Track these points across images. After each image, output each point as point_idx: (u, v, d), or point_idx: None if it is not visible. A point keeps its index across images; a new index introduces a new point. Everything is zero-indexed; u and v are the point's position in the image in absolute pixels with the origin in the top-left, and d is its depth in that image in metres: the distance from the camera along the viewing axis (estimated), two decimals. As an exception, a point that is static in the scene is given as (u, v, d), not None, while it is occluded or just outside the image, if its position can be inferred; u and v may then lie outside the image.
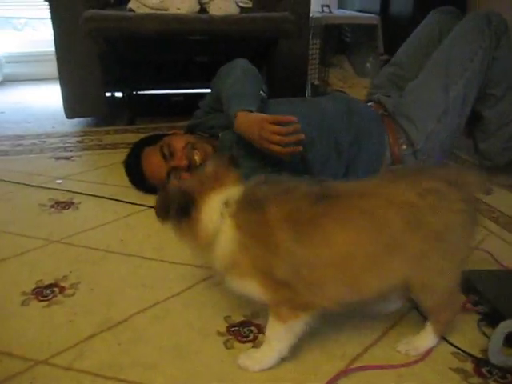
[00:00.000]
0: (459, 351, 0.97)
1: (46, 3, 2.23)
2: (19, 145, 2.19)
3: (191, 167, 1.52)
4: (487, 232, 1.45)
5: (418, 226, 0.87)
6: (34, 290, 1.16)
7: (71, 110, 2.34)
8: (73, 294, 1.14)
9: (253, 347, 0.99)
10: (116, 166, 1.87)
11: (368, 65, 3.20)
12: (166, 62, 2.24)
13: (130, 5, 2.18)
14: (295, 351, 0.96)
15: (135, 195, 1.63)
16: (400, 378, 0.92)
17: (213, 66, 2.38)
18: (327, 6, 3.19)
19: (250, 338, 1.01)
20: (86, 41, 2.14)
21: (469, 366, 0.94)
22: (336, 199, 0.90)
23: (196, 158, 1.54)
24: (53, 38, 2.23)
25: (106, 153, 2.08)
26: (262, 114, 1.35)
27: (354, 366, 0.94)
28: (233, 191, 0.92)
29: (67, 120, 2.42)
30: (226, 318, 1.07)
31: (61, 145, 2.19)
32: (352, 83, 3.07)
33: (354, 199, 0.90)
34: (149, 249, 1.34)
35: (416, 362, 0.95)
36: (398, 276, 0.91)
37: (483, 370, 0.93)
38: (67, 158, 2.02)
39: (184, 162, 1.53)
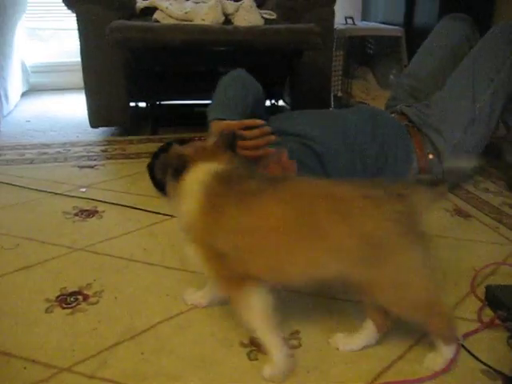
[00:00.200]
0: (489, 369, 0.94)
1: (72, 14, 2.26)
2: (44, 153, 2.21)
3: None
4: (514, 246, 1.43)
5: (347, 223, 0.89)
6: (57, 297, 1.16)
7: (96, 119, 2.37)
8: (96, 302, 1.14)
9: (276, 359, 0.97)
10: (139, 175, 1.89)
11: (392, 77, 3.19)
12: (190, 72, 2.26)
13: (156, 16, 2.21)
14: (319, 365, 0.94)
15: (158, 204, 1.63)
16: (427, 394, 0.90)
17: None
18: (351, 17, 3.18)
19: (274, 350, 1.00)
20: (112, 51, 2.16)
21: (499, 385, 0.92)
22: (282, 183, 0.98)
23: None
24: (79, 48, 2.26)
25: (129, 162, 2.09)
26: (230, 121, 1.34)
27: (379, 381, 0.93)
28: (217, 166, 1.01)
29: (91, 129, 2.44)
30: (250, 330, 1.06)
31: (85, 154, 2.21)
32: (375, 95, 3.06)
33: (297, 186, 0.98)
34: (172, 258, 1.33)
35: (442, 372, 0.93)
36: (329, 269, 0.93)
37: (513, 389, 0.91)
38: (91, 167, 2.03)
39: None
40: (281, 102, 2.72)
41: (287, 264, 0.94)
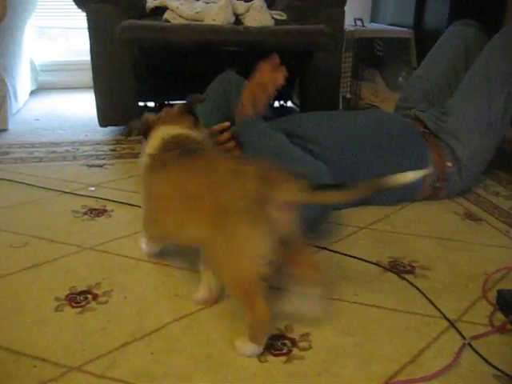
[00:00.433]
0: (501, 374, 0.93)
1: (81, 13, 2.27)
2: (53, 152, 2.21)
3: None
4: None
5: (211, 193, 0.99)
6: (67, 296, 1.16)
7: (105, 118, 2.37)
8: (106, 302, 1.14)
9: (286, 361, 0.97)
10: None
11: (400, 79, 3.18)
12: (200, 72, 2.25)
13: (166, 16, 2.20)
14: (330, 367, 0.94)
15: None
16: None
17: (245, 77, 2.40)
18: (360, 19, 3.18)
19: (284, 351, 1.00)
20: (121, 51, 2.17)
21: (511, 390, 0.91)
22: (193, 156, 1.11)
23: None
24: (88, 47, 2.26)
25: (138, 161, 2.09)
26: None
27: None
28: (175, 130, 1.20)
29: (100, 128, 2.45)
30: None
31: (94, 152, 2.21)
32: (384, 97, 3.05)
33: (199, 159, 1.10)
34: (181, 258, 1.33)
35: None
36: (193, 234, 1.04)
37: (526, 394, 0.90)
38: (100, 166, 2.04)
39: None
40: (289, 103, 2.72)
41: (175, 228, 1.10)
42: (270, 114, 1.75)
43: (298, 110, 2.71)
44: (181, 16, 2.18)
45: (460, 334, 1.05)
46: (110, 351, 0.98)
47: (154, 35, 1.87)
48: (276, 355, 0.98)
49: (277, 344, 1.01)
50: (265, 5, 2.31)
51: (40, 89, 3.45)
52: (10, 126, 2.56)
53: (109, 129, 2.49)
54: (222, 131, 1.55)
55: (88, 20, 2.23)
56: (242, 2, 2.31)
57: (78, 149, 2.26)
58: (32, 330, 1.04)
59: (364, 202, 1.66)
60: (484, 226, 1.58)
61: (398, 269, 1.31)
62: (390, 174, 1.56)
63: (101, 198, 1.70)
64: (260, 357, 0.98)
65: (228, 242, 0.96)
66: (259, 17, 2.19)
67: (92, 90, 2.35)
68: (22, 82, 2.94)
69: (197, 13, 2.17)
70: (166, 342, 1.02)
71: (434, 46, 2.05)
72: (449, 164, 1.65)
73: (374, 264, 1.33)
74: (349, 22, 3.02)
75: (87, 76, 2.52)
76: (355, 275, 1.28)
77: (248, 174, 0.97)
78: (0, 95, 2.47)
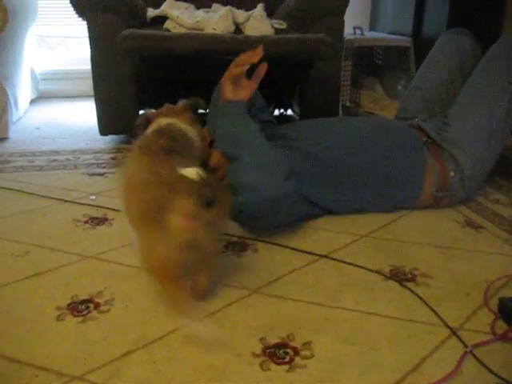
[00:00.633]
0: (503, 382, 0.93)
1: (81, 22, 2.28)
2: (54, 160, 2.22)
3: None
4: (527, 258, 1.42)
5: (137, 193, 1.10)
6: (69, 304, 1.16)
7: (105, 127, 2.37)
8: (108, 311, 1.14)
9: (288, 370, 0.97)
10: (149, 183, 1.89)
11: (400, 87, 3.20)
12: (200, 81, 2.26)
13: (166, 25, 2.22)
14: (332, 376, 0.94)
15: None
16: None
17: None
18: (359, 27, 3.20)
19: (286, 360, 0.99)
20: (122, 59, 2.18)
21: (513, 398, 0.91)
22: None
23: None
24: (89, 56, 2.27)
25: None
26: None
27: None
28: (168, 121, 1.29)
29: (101, 137, 2.45)
30: (261, 340, 1.05)
31: (94, 161, 2.21)
32: (383, 105, 3.06)
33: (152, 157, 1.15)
34: (182, 267, 1.33)
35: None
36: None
37: (529, 403, 0.90)
38: (101, 175, 2.04)
39: None
40: (289, 112, 2.73)
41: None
42: (261, 105, 1.76)
43: (297, 118, 2.72)
44: (181, 25, 2.19)
45: (462, 342, 1.05)
46: (112, 360, 0.98)
47: (155, 44, 1.88)
48: (278, 364, 0.98)
49: (279, 353, 1.01)
50: (265, 14, 2.32)
51: (40, 97, 3.46)
52: (11, 134, 2.57)
53: (109, 137, 2.49)
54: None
55: (89, 29, 2.24)
56: (242, 11, 2.33)
57: (79, 157, 2.27)
58: (34, 340, 1.04)
59: (359, 211, 1.67)
60: (484, 233, 1.58)
61: (399, 277, 1.31)
62: (386, 176, 1.60)
63: (102, 207, 1.70)
64: (262, 365, 0.98)
65: (138, 238, 1.10)
66: (259, 26, 2.20)
67: (92, 99, 2.36)
68: (23, 91, 2.95)
69: (197, 22, 2.18)
70: (168, 350, 1.02)
71: (428, 55, 2.07)
72: (451, 173, 1.65)
73: (375, 272, 1.33)
74: (348, 31, 3.04)
75: (87, 85, 2.53)
76: (356, 283, 1.28)
77: (163, 182, 1.03)
78: (1, 104, 2.48)
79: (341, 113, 2.90)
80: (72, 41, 3.76)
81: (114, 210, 1.67)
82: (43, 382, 0.93)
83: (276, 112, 2.61)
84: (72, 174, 2.05)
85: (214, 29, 2.11)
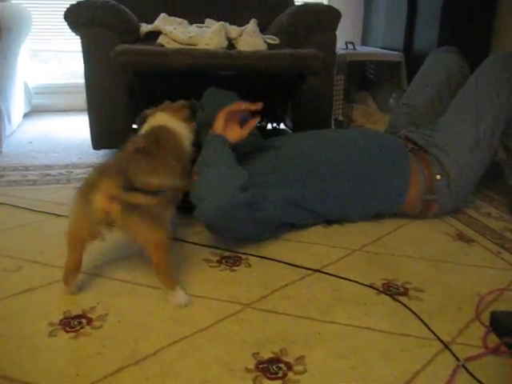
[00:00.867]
0: (495, 396, 0.94)
1: (75, 37, 2.29)
2: (47, 174, 2.22)
3: None
4: (518, 272, 1.43)
5: None
6: (61, 320, 1.16)
7: (98, 141, 2.37)
8: (100, 326, 1.14)
9: (282, 385, 0.97)
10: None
11: (392, 101, 3.22)
12: (192, 95, 2.28)
13: (160, 40, 2.23)
14: (326, 391, 0.94)
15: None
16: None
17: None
18: (351, 42, 3.23)
19: (280, 375, 1.00)
20: (115, 74, 2.18)
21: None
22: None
23: None
24: (83, 70, 2.28)
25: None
26: None
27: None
28: (164, 119, 1.45)
29: (93, 151, 2.45)
30: (254, 355, 1.05)
31: (87, 176, 2.21)
32: (375, 119, 3.09)
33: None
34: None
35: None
36: None
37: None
38: (94, 189, 2.03)
39: None
40: (282, 126, 2.74)
41: None
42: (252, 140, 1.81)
43: (290, 132, 2.73)
44: (175, 40, 2.20)
45: (454, 355, 1.05)
46: (105, 376, 0.98)
47: (149, 59, 1.89)
48: (271, 379, 0.98)
49: (272, 368, 1.01)
50: (257, 29, 2.34)
51: (33, 111, 3.45)
52: (4, 148, 2.56)
53: (102, 151, 2.49)
54: None
55: (83, 44, 2.25)
56: (235, 27, 2.34)
57: (72, 172, 2.27)
58: (26, 356, 1.04)
59: (342, 219, 1.72)
60: (476, 247, 1.59)
61: (392, 291, 1.31)
62: (370, 179, 1.63)
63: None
64: (255, 381, 0.98)
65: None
66: (252, 41, 2.22)
67: (85, 113, 2.36)
68: (16, 105, 2.95)
69: (190, 37, 2.19)
70: (160, 366, 1.01)
71: (418, 73, 2.12)
72: (438, 177, 1.69)
73: (368, 286, 1.33)
74: (340, 46, 3.06)
75: (80, 99, 2.54)
76: (349, 298, 1.28)
77: (98, 167, 1.24)
78: (-6, 118, 2.48)
79: (333, 127, 2.91)
80: (64, 55, 3.77)
81: (107, 224, 1.67)
82: (35, 398, 0.92)
83: (269, 126, 2.62)
84: (65, 189, 2.04)
85: (208, 44, 2.12)
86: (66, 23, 2.25)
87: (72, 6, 2.21)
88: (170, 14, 2.54)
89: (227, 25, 2.31)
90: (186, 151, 1.46)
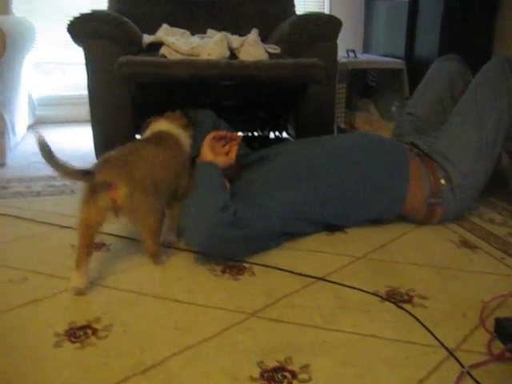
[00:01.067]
0: (501, 402, 0.94)
1: (77, 48, 2.31)
2: (51, 186, 2.23)
3: None
4: (522, 278, 1.43)
5: None
6: (67, 331, 1.16)
7: (102, 152, 2.35)
8: (106, 337, 1.14)
9: (287, 394, 0.97)
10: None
11: (394, 108, 3.23)
12: (196, 105, 2.29)
13: (162, 51, 2.24)
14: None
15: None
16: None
17: (240, 110, 2.44)
18: (353, 50, 3.24)
19: (285, 383, 1.00)
20: (118, 85, 2.20)
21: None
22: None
23: None
24: (86, 82, 2.30)
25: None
26: None
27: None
28: (164, 126, 1.57)
29: (98, 162, 2.46)
30: (259, 364, 1.05)
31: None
32: (378, 127, 3.09)
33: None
34: (180, 291, 1.34)
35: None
36: None
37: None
38: (98, 199, 2.04)
39: None
40: (285, 134, 2.75)
41: None
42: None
43: (293, 141, 2.74)
44: (177, 51, 2.22)
45: (459, 362, 1.05)
46: (111, 386, 0.98)
47: (152, 70, 1.91)
48: (275, 388, 0.99)
49: (277, 376, 1.02)
50: (259, 39, 2.36)
51: (38, 123, 3.47)
52: (9, 160, 2.58)
53: (106, 162, 2.50)
54: None
55: (86, 56, 2.27)
56: (237, 37, 2.36)
57: (76, 183, 2.27)
58: (31, 367, 1.05)
59: (343, 224, 1.73)
60: (480, 253, 1.59)
61: (396, 298, 1.32)
62: (368, 180, 1.64)
63: (99, 232, 1.69)
64: (260, 390, 0.98)
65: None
66: (253, 51, 2.23)
67: (89, 124, 2.38)
68: (20, 117, 2.97)
69: (192, 48, 2.21)
70: (166, 376, 1.02)
71: (421, 83, 2.14)
72: (442, 181, 1.70)
73: (372, 294, 1.34)
74: (341, 54, 3.08)
75: (84, 110, 2.55)
76: (353, 305, 1.29)
77: (102, 158, 1.40)
78: (-2, 131, 2.50)
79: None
80: (68, 66, 3.79)
81: (112, 235, 1.68)
82: (41, 409, 0.93)
83: (272, 135, 2.64)
84: (69, 200, 2.05)
85: (209, 54, 2.14)
86: (69, 35, 2.27)
87: (75, 18, 2.23)
88: (172, 25, 2.56)
89: (229, 35, 2.32)
90: (186, 152, 1.59)
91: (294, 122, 2.59)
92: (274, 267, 1.47)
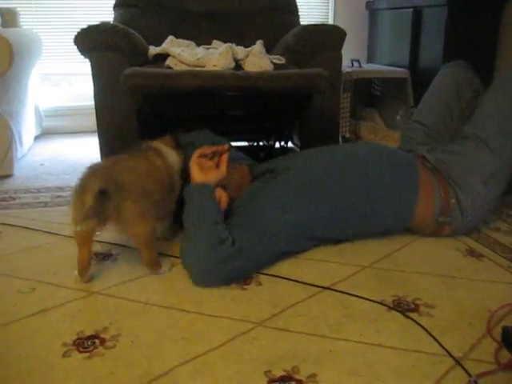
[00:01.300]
0: (508, 412, 0.94)
1: (84, 60, 2.33)
2: (59, 196, 2.25)
3: None
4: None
5: None
6: (75, 341, 1.17)
7: (109, 162, 2.39)
8: (113, 346, 1.15)
9: (294, 403, 0.97)
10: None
11: (398, 117, 3.24)
12: (201, 116, 2.30)
13: (168, 62, 2.26)
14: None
15: (170, 247, 1.65)
16: None
17: (246, 120, 2.45)
18: (357, 60, 3.26)
19: (292, 393, 1.00)
20: (125, 96, 2.21)
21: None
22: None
23: None
24: (93, 93, 2.32)
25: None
26: None
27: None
28: (154, 144, 1.65)
29: (104, 172, 2.47)
30: (266, 373, 1.06)
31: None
32: (383, 136, 3.10)
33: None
34: (187, 301, 1.34)
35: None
36: None
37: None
38: (105, 210, 2.05)
39: None
40: (290, 144, 2.76)
41: None
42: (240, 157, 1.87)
43: (298, 150, 2.75)
44: (182, 62, 2.23)
45: (466, 371, 1.05)
46: (119, 396, 0.99)
47: (158, 82, 1.92)
48: (283, 397, 0.99)
49: (284, 386, 1.02)
50: (264, 50, 2.37)
51: (44, 134, 3.50)
52: (16, 171, 2.60)
53: (113, 172, 2.52)
54: None
55: (92, 67, 2.29)
56: (242, 48, 2.38)
57: (83, 193, 2.29)
58: (40, 377, 1.05)
59: (350, 238, 1.71)
60: (486, 262, 1.59)
61: (402, 307, 1.32)
62: (380, 199, 1.63)
63: (106, 242, 1.72)
64: (268, 399, 0.98)
65: None
66: (259, 62, 2.25)
67: (95, 135, 2.39)
68: (27, 128, 2.99)
69: (198, 59, 2.22)
70: (173, 385, 1.02)
71: (428, 89, 2.12)
72: (453, 200, 1.67)
73: (378, 303, 1.34)
74: (346, 63, 3.09)
75: (90, 120, 2.57)
76: (360, 314, 1.29)
77: (89, 168, 1.46)
78: (6, 142, 2.51)
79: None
80: (74, 77, 3.82)
81: (119, 245, 1.69)
82: (50, 419, 0.93)
83: (277, 145, 2.64)
84: (76, 210, 2.06)
85: (215, 65, 2.15)
86: (75, 47, 2.29)
87: (82, 30, 2.25)
88: (178, 37, 2.58)
89: (234, 46, 2.34)
90: (173, 167, 1.63)
91: (298, 131, 2.60)
92: (280, 277, 1.48)
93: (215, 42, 2.61)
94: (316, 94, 2.09)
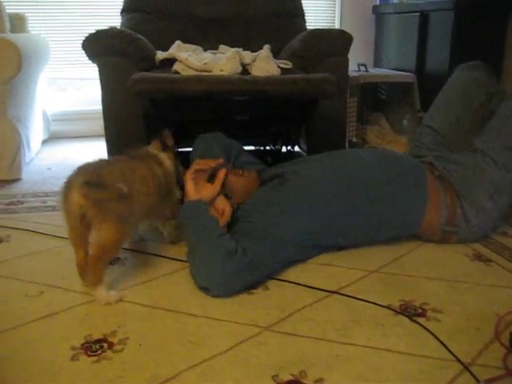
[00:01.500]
0: (516, 417, 0.94)
1: (91, 64, 2.35)
2: (66, 200, 2.25)
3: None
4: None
5: None
6: (83, 344, 1.18)
7: (116, 166, 2.40)
8: (121, 350, 1.15)
9: (302, 408, 0.97)
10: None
11: (405, 122, 3.24)
12: (208, 120, 2.31)
13: (175, 67, 2.27)
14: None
15: (177, 252, 1.66)
16: None
17: (252, 125, 2.46)
18: (364, 64, 3.26)
19: (299, 398, 1.00)
20: (132, 101, 2.23)
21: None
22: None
23: None
24: (100, 98, 2.33)
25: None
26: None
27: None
28: (146, 149, 1.69)
29: (111, 176, 2.48)
30: (274, 377, 1.06)
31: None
32: (389, 140, 3.10)
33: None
34: (194, 305, 1.35)
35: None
36: None
37: None
38: (112, 214, 2.06)
39: None
40: (297, 149, 2.76)
41: None
42: (249, 159, 1.90)
43: (305, 154, 2.75)
44: (190, 67, 2.24)
45: (474, 377, 1.05)
46: (127, 400, 0.99)
47: (165, 86, 1.93)
48: (291, 401, 0.99)
49: (291, 390, 1.02)
50: (271, 54, 2.38)
51: (52, 138, 3.52)
52: (24, 175, 2.61)
53: (120, 176, 2.52)
54: None
55: (100, 72, 2.30)
56: (249, 53, 2.38)
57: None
58: (48, 380, 1.06)
59: (359, 244, 1.71)
60: (493, 267, 1.58)
61: (410, 312, 1.32)
62: (386, 202, 1.63)
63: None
64: (275, 403, 0.98)
65: None
66: (266, 66, 2.25)
67: (103, 139, 2.40)
68: (35, 132, 3.01)
69: (205, 64, 2.23)
70: (181, 389, 1.03)
71: (440, 92, 2.07)
72: (459, 211, 1.66)
73: (386, 307, 1.34)
74: (353, 68, 3.10)
75: (98, 125, 2.58)
76: (367, 319, 1.29)
77: (77, 168, 1.47)
78: (14, 146, 2.53)
79: (348, 148, 2.93)
80: (82, 82, 3.85)
81: (127, 249, 1.70)
82: (59, 422, 0.94)
83: (284, 149, 2.65)
84: (84, 214, 2.07)
85: (222, 70, 2.16)
86: (83, 52, 2.31)
87: (90, 35, 2.26)
88: (185, 42, 2.59)
89: (241, 51, 2.35)
90: (169, 171, 1.65)
91: (305, 136, 2.60)
92: (287, 281, 1.48)
93: (222, 47, 2.62)
94: (323, 98, 2.10)
